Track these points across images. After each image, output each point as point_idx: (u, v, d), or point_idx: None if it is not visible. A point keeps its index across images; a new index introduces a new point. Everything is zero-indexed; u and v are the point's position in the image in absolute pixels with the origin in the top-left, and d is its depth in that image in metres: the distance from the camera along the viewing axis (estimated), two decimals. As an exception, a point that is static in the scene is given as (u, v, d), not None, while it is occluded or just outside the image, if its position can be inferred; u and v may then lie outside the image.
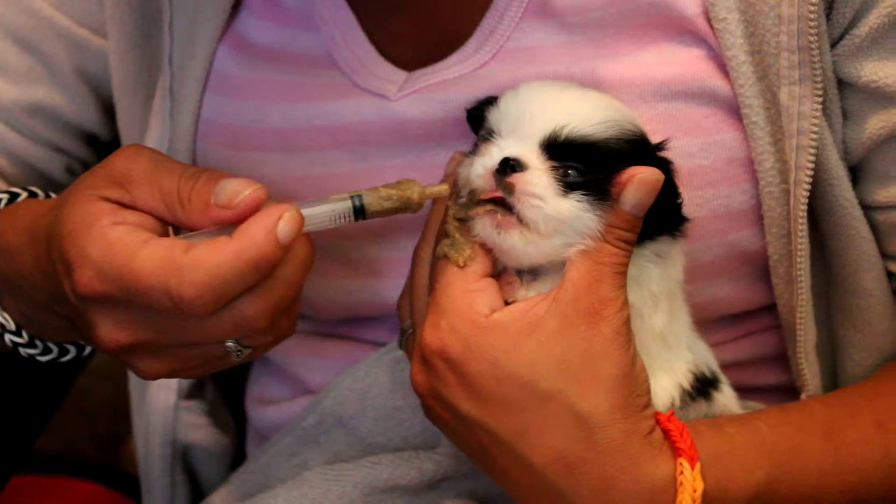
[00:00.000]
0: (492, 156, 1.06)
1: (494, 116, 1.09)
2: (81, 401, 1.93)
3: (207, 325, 1.01)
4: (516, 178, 1.04)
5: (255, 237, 0.99)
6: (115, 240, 1.01)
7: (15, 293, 1.16)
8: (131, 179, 1.04)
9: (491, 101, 1.11)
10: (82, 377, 1.82)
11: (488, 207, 1.05)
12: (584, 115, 1.07)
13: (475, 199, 1.06)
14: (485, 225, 1.06)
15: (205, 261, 0.99)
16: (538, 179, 1.05)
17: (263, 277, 1.00)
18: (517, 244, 1.05)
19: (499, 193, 1.05)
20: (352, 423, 1.26)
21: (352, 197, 1.06)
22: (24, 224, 1.14)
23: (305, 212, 1.03)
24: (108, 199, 1.04)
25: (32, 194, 1.25)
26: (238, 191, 1.02)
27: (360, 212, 1.06)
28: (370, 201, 1.06)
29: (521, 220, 1.05)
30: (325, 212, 1.05)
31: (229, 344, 1.04)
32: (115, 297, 1.01)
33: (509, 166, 1.04)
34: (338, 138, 1.23)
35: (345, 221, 1.06)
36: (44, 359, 1.22)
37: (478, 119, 1.12)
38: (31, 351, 1.21)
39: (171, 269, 0.98)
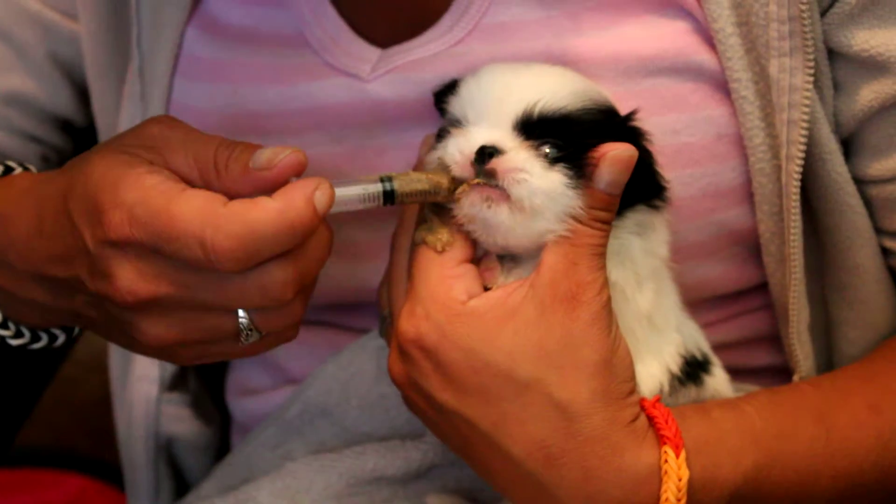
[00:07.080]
0: (467, 140, 1.03)
1: (457, 104, 1.06)
2: (71, 392, 1.93)
3: (232, 286, 0.99)
4: (497, 162, 1.01)
5: (296, 201, 0.97)
6: (152, 185, 0.99)
7: None
8: (165, 144, 1.02)
9: (457, 83, 1.08)
10: (72, 368, 1.80)
11: (476, 181, 1.02)
12: (553, 89, 1.04)
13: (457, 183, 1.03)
14: (473, 201, 1.02)
15: (244, 215, 0.96)
16: (519, 156, 1.02)
17: (296, 245, 0.98)
18: (505, 220, 1.02)
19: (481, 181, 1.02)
20: (336, 412, 1.24)
21: (382, 180, 1.03)
22: (21, 189, 1.12)
23: (337, 190, 1.01)
24: (139, 157, 1.02)
25: (26, 170, 1.22)
26: (277, 152, 1.00)
27: (389, 196, 1.03)
28: (400, 184, 1.03)
29: (509, 198, 1.02)
30: (356, 192, 1.03)
31: (242, 319, 1.01)
32: (142, 243, 0.98)
33: (487, 154, 1.01)
34: (313, 120, 1.20)
35: (374, 204, 1.03)
36: (15, 342, 1.19)
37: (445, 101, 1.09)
38: (2, 332, 1.19)
39: (209, 218, 0.96)
